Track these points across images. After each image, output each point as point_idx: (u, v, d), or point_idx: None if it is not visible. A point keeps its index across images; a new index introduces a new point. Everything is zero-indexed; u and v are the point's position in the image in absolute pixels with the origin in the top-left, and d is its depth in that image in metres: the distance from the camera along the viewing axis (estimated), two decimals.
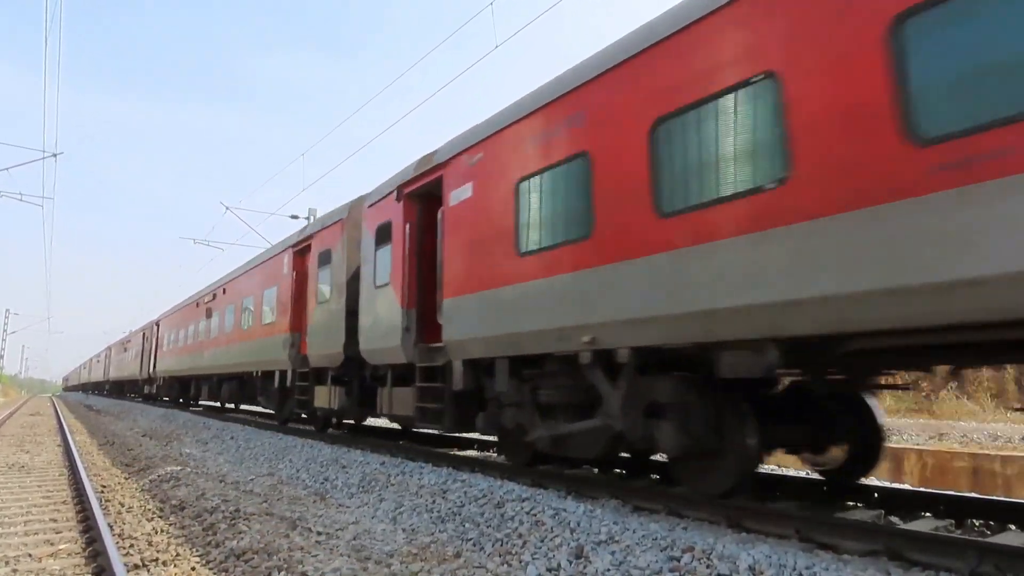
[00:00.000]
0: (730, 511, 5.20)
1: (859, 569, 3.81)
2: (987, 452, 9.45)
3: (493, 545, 5.16)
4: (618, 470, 8.03)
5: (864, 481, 6.35)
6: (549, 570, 4.45)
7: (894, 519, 5.36)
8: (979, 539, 4.16)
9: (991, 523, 5.10)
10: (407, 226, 9.30)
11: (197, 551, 5.32)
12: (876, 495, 5.86)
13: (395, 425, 14.03)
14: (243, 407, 24.02)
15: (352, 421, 14.32)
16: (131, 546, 5.50)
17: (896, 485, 6.82)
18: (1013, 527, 4.94)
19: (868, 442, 6.06)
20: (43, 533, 6.14)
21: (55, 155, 20.60)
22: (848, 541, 4.45)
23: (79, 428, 19.84)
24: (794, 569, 3.86)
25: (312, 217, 23.29)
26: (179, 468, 9.66)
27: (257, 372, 15.81)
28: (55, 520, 6.69)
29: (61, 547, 5.59)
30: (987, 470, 8.90)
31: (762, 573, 3.86)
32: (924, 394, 17.74)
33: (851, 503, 5.88)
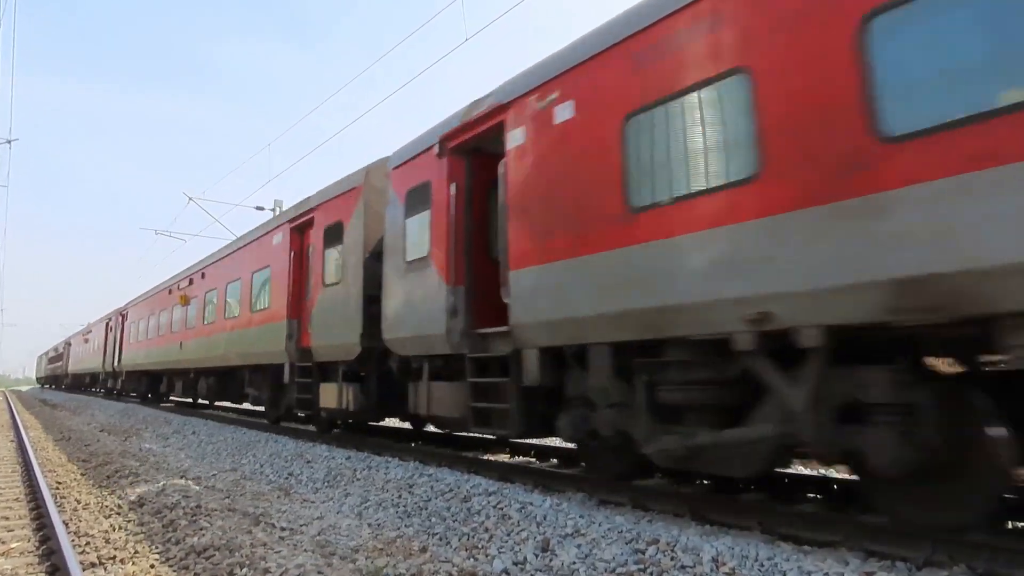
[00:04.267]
0: (694, 504, 5.26)
1: (819, 559, 3.90)
2: None
3: (459, 539, 5.15)
4: (582, 463, 8.07)
5: (824, 473, 6.47)
6: (515, 563, 4.46)
7: (852, 511, 5.48)
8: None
9: None
10: (452, 186, 7.69)
11: (156, 548, 5.20)
12: (835, 487, 5.98)
13: (406, 425, 12.59)
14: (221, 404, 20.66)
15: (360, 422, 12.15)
16: (87, 544, 5.34)
17: (854, 478, 6.96)
18: None
19: None
20: None
21: (9, 141, 19.93)
22: (808, 532, 4.55)
23: (33, 423, 19.24)
24: (756, 560, 3.93)
25: (278, 209, 22.40)
26: (138, 464, 9.44)
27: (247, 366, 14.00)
28: (7, 518, 6.47)
29: (13, 546, 5.42)
30: None
31: (725, 564, 3.93)
32: None
33: (812, 495, 6.00)
